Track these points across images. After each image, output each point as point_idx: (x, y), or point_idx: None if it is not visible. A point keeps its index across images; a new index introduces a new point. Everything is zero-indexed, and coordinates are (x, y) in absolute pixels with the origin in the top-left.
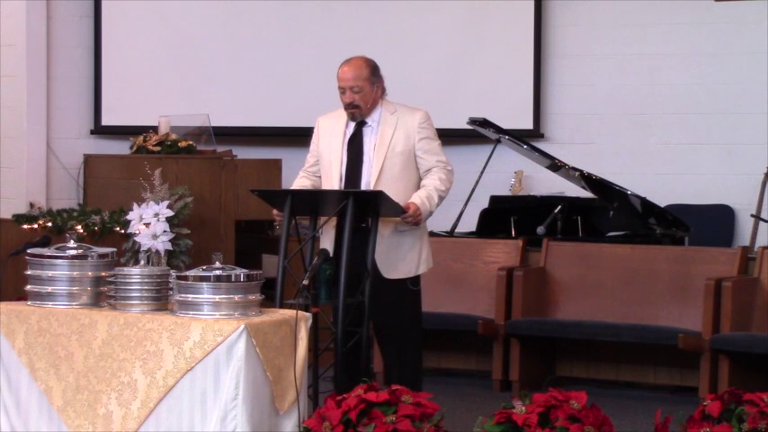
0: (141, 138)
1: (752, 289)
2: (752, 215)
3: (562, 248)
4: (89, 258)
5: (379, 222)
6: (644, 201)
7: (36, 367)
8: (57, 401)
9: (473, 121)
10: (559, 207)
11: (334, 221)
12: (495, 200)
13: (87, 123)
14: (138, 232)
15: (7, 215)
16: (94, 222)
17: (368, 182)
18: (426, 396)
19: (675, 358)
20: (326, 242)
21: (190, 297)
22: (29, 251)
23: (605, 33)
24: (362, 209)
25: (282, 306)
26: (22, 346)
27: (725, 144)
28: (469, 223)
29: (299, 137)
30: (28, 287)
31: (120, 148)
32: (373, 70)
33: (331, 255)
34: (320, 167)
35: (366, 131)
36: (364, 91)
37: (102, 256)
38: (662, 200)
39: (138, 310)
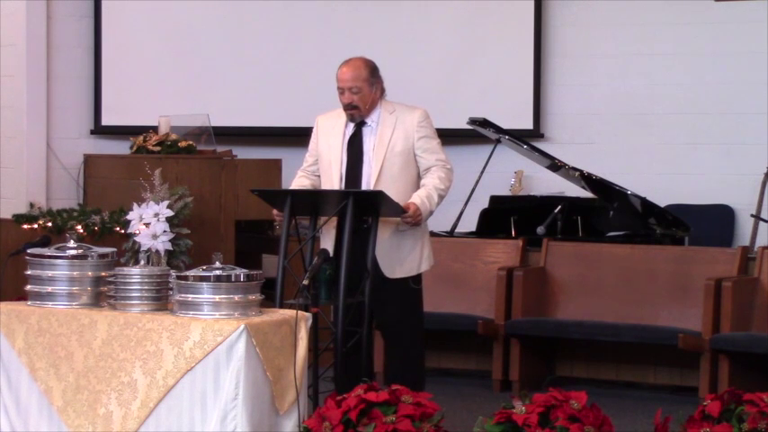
0: (141, 138)
1: (752, 289)
2: (752, 215)
3: (562, 248)
4: (89, 258)
5: (379, 222)
6: (644, 201)
7: (36, 367)
8: (57, 401)
9: (473, 121)
10: (559, 207)
11: (334, 221)
12: (495, 200)
13: (87, 123)
14: (138, 232)
15: (7, 215)
16: (94, 222)
17: (368, 182)
18: (426, 396)
19: (675, 358)
20: (327, 242)
21: (190, 297)
22: (29, 251)
23: (605, 33)
24: (362, 209)
25: (282, 306)
26: (22, 346)
27: (725, 144)
28: (469, 223)
29: (299, 137)
30: (28, 287)
31: (120, 148)
32: (372, 71)
33: (332, 255)
34: (319, 167)
35: (365, 132)
36: (363, 92)
37: (102, 256)
38: (662, 200)
39: (138, 310)
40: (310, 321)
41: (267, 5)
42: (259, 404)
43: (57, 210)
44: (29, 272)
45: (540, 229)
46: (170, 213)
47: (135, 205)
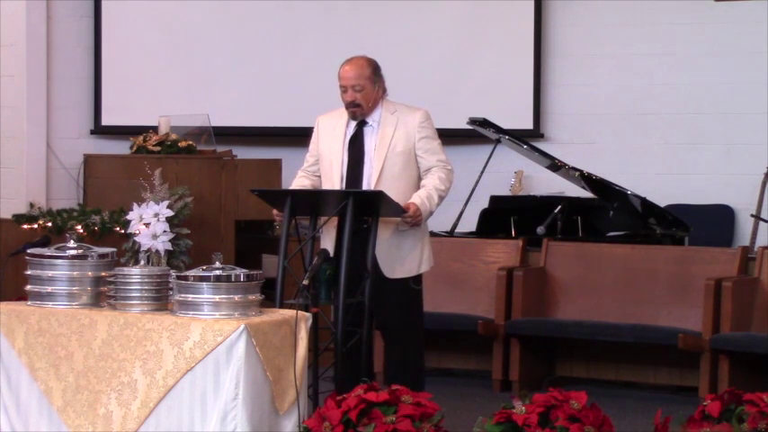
0: (141, 138)
1: (752, 289)
2: (752, 215)
3: (562, 248)
4: (89, 258)
5: (380, 222)
6: (644, 201)
7: (36, 367)
8: (57, 401)
9: (473, 121)
10: (559, 207)
11: (335, 221)
12: (495, 200)
13: (87, 123)
14: (138, 232)
15: (7, 215)
16: (94, 222)
17: (368, 181)
18: (426, 396)
19: (675, 358)
20: (327, 242)
21: (190, 297)
22: (29, 251)
23: (605, 33)
24: (363, 209)
25: (282, 306)
26: (22, 346)
27: (724, 144)
28: (469, 223)
29: (299, 137)
30: (28, 287)
31: (120, 148)
32: (375, 70)
33: (332, 255)
34: (320, 167)
35: (367, 131)
36: (366, 90)
37: (102, 256)
38: (662, 200)
39: (138, 310)
40: (310, 321)
41: (267, 5)
42: (259, 404)
43: (57, 210)
44: (29, 272)
45: (540, 229)
46: (170, 213)
47: (135, 205)
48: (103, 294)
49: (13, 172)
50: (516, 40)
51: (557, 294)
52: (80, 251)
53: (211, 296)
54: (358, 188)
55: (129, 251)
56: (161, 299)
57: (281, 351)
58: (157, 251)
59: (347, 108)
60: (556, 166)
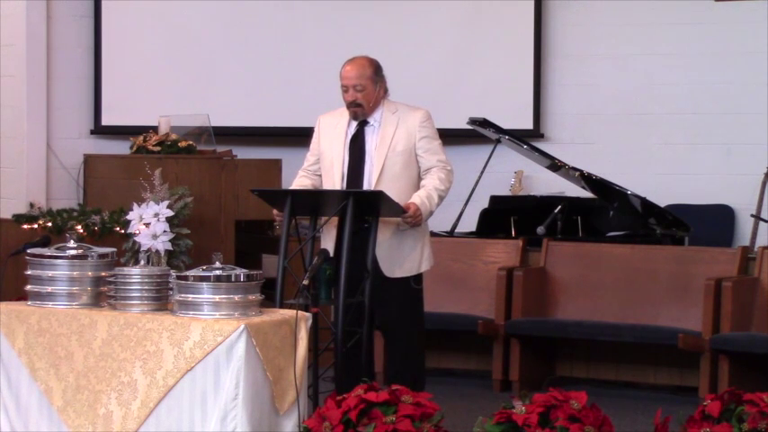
0: (141, 138)
1: (752, 289)
2: (752, 215)
3: (562, 248)
4: (89, 258)
5: (380, 222)
6: (644, 201)
7: (36, 367)
8: (57, 401)
9: (473, 121)
10: (559, 207)
11: (335, 221)
12: (495, 200)
13: (87, 123)
14: (138, 232)
15: (7, 215)
16: (94, 222)
17: (369, 181)
18: (426, 396)
19: (675, 358)
20: (328, 242)
21: (190, 297)
22: (29, 251)
23: (605, 33)
24: (363, 209)
25: (282, 306)
26: (22, 346)
27: (724, 144)
28: (469, 223)
29: (299, 137)
30: (28, 287)
31: (120, 148)
32: (376, 69)
33: (332, 255)
34: (321, 166)
35: (368, 131)
36: (367, 90)
37: (102, 256)
38: (662, 200)
39: (138, 310)
40: (310, 321)
41: (267, 5)
42: (259, 404)
43: (57, 210)
44: (29, 272)
45: (540, 229)
46: (170, 213)
47: (135, 205)
48: (103, 294)
49: (13, 172)
50: (516, 40)
51: (557, 294)
52: (80, 251)
53: (211, 296)
54: (359, 187)
55: (129, 251)
56: (161, 299)
57: (281, 351)
58: (157, 251)
59: (348, 108)
60: (556, 166)
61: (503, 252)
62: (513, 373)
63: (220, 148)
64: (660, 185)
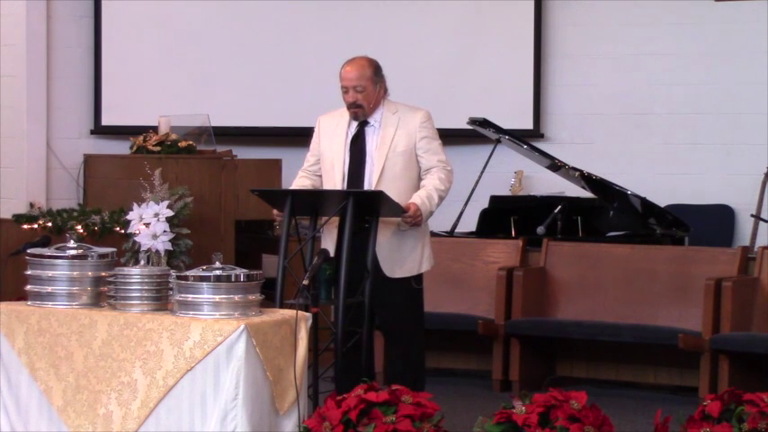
0: (141, 138)
1: (752, 289)
2: (752, 215)
3: (562, 248)
4: (89, 258)
5: (380, 222)
6: (644, 201)
7: (36, 367)
8: (57, 401)
9: (473, 121)
10: (559, 207)
11: (335, 221)
12: (495, 200)
13: (87, 123)
14: (138, 232)
15: (7, 215)
16: (94, 222)
17: (370, 181)
18: (426, 396)
19: (675, 358)
20: (329, 242)
21: (190, 297)
22: (29, 251)
23: (605, 33)
24: (363, 209)
25: (282, 306)
26: (22, 346)
27: (725, 144)
28: (469, 223)
29: (299, 137)
30: (28, 287)
31: (120, 148)
32: (376, 70)
33: (333, 255)
34: (321, 167)
35: (368, 131)
36: (367, 90)
37: (102, 256)
38: (662, 200)
39: (138, 310)
40: (310, 321)
41: (267, 5)
42: (259, 404)
43: (57, 210)
44: (29, 272)
45: (540, 229)
46: (170, 213)
47: (135, 205)
48: (103, 294)
49: (13, 172)
50: (516, 40)
51: (557, 294)
52: (80, 251)
53: (211, 296)
54: (359, 188)
55: (129, 251)
56: (161, 299)
57: (281, 351)
58: (157, 251)
59: (348, 109)
60: (556, 166)
61: (503, 252)
62: (513, 373)
63: (220, 148)
64: (660, 185)
